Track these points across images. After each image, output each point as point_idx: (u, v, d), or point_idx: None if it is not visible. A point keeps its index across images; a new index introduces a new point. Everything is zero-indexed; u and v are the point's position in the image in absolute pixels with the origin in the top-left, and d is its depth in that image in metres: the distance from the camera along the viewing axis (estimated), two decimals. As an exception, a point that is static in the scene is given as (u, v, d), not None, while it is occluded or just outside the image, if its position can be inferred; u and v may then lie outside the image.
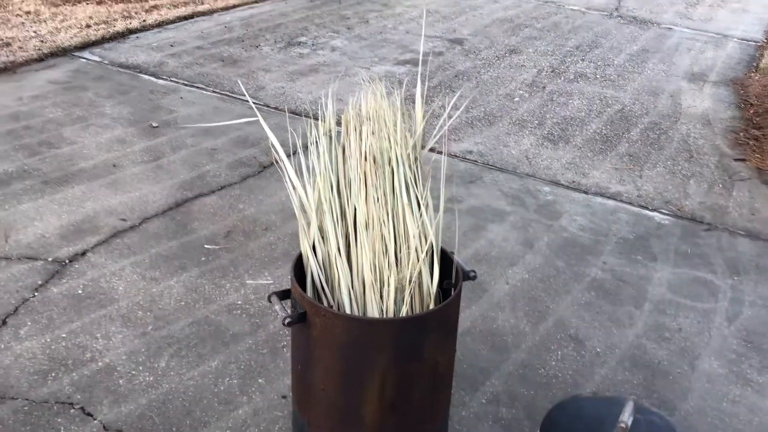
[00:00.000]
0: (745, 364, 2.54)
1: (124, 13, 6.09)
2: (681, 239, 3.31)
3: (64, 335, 2.47)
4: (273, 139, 1.93)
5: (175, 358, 2.40)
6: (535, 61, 5.66)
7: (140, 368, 2.35)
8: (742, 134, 4.50)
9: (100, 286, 2.73)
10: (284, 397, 2.26)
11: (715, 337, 2.67)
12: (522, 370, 2.44)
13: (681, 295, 2.90)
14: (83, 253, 2.92)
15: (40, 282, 2.73)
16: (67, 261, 2.87)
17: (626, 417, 1.74)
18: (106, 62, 5.03)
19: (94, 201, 3.29)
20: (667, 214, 3.53)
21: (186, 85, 4.73)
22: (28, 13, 5.90)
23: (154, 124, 4.12)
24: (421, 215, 1.82)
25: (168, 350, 2.43)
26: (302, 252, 1.85)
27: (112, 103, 4.36)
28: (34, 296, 2.65)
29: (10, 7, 6.03)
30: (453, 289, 1.86)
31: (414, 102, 2.01)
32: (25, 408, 2.16)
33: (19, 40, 5.22)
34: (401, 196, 1.82)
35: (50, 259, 2.87)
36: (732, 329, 2.72)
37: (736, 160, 4.15)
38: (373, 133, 1.85)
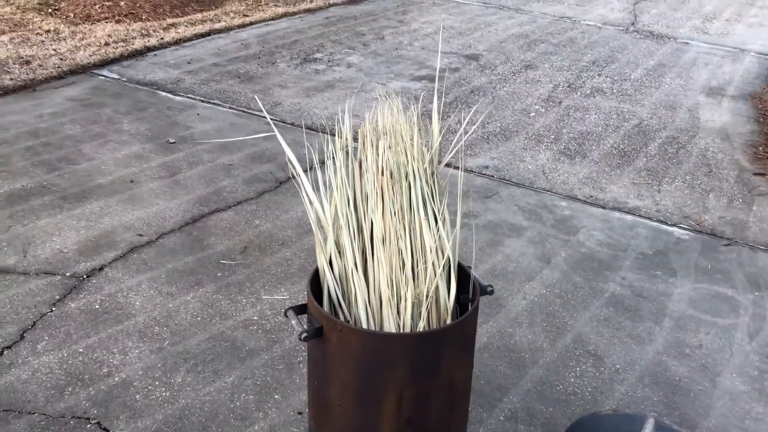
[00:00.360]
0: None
1: (143, 31, 6.16)
2: (701, 254, 3.27)
3: (81, 350, 2.48)
4: (290, 154, 1.94)
5: (192, 373, 2.40)
6: (551, 77, 5.66)
7: (156, 383, 2.35)
8: (761, 148, 4.45)
9: (117, 302, 2.74)
10: (300, 413, 2.25)
11: (737, 354, 2.62)
12: (540, 387, 2.41)
13: (701, 311, 2.86)
14: (101, 269, 2.93)
15: (57, 297, 2.75)
16: (84, 276, 2.88)
17: (647, 435, 1.72)
18: (125, 79, 5.09)
19: (112, 216, 3.32)
20: (687, 229, 3.49)
21: (203, 101, 4.77)
22: (48, 31, 5.99)
23: (171, 140, 4.16)
24: (438, 230, 1.82)
25: (184, 366, 2.43)
26: (319, 267, 1.85)
27: (129, 119, 4.40)
28: (52, 311, 2.67)
29: (31, 26, 6.13)
30: (470, 304, 1.84)
31: (430, 117, 2.01)
32: (42, 422, 2.16)
33: (39, 58, 5.30)
34: (418, 211, 1.81)
35: (68, 274, 2.89)
36: (754, 345, 2.68)
37: (755, 174, 4.11)
38: (389, 147, 1.85)
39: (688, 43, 6.91)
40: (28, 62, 5.22)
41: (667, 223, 3.54)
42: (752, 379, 2.50)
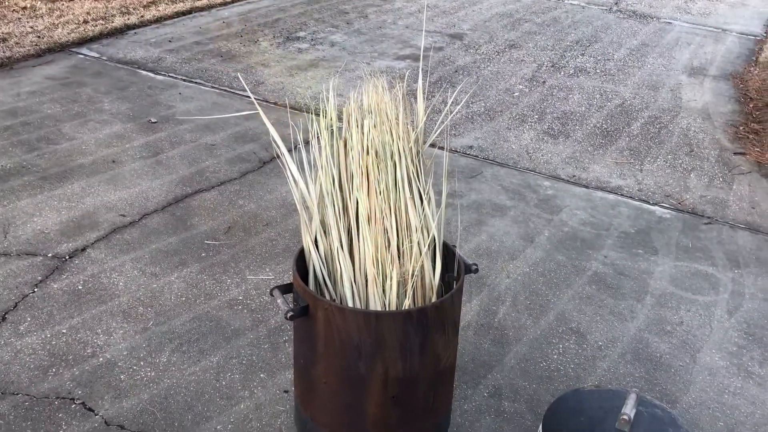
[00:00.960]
0: (746, 356, 2.54)
1: (122, 9, 6.06)
2: (682, 233, 3.31)
3: (64, 331, 2.46)
4: (273, 133, 1.93)
5: (177, 353, 2.40)
6: (535, 56, 5.66)
7: (141, 363, 2.34)
8: (741, 128, 4.49)
9: (100, 282, 2.72)
10: (286, 391, 2.26)
11: (717, 330, 2.67)
12: (524, 364, 2.44)
13: (682, 289, 2.90)
14: (83, 249, 2.91)
15: (39, 278, 2.72)
16: (66, 257, 2.86)
17: (629, 409, 1.74)
18: (104, 58, 5.01)
19: (94, 197, 3.29)
20: (668, 208, 3.53)
21: (184, 80, 4.72)
22: (24, 8, 5.87)
23: (153, 120, 4.11)
24: (423, 209, 1.82)
25: (169, 345, 2.43)
26: (304, 246, 1.85)
27: (110, 98, 4.35)
28: (34, 292, 2.65)
29: (6, 3, 6.01)
30: (455, 282, 1.86)
31: (415, 96, 2.01)
32: (26, 403, 2.16)
33: (16, 36, 5.20)
34: (403, 190, 1.81)
35: (50, 254, 2.86)
36: (733, 322, 2.72)
37: (736, 153, 4.15)
38: (374, 126, 1.85)
39: (670, 22, 6.93)
40: (4, 40, 5.12)
41: (648, 202, 3.57)
42: (731, 355, 2.55)
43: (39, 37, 5.22)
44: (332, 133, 1.88)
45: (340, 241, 1.78)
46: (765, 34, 6.73)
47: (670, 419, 1.77)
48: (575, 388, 2.32)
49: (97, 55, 5.05)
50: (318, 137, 1.86)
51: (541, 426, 1.82)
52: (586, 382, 2.37)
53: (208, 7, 6.38)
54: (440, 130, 4.04)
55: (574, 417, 1.79)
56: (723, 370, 2.47)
